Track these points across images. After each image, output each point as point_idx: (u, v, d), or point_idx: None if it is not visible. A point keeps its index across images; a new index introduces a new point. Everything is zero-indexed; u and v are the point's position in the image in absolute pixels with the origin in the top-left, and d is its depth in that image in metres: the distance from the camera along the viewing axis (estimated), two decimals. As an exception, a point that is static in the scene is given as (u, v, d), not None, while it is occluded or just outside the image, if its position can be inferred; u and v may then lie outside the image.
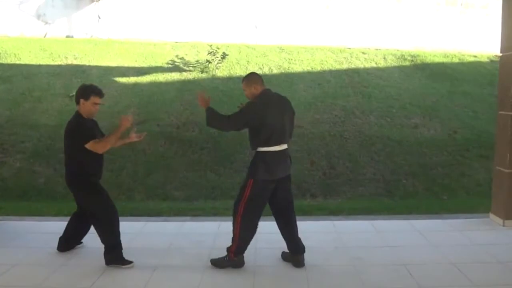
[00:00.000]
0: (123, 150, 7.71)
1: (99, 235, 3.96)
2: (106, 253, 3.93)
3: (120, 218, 5.47)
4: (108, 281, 3.66)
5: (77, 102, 3.96)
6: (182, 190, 6.91)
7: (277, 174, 3.83)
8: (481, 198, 6.26)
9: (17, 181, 7.00)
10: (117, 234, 3.94)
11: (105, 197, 3.98)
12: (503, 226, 4.93)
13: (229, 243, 3.83)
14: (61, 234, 4.31)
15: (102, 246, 4.37)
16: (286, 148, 3.94)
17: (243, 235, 3.83)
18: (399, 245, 4.41)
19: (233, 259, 3.86)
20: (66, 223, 5.10)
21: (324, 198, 6.77)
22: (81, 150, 3.82)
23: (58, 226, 5.03)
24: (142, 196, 6.82)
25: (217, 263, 3.90)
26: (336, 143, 8.07)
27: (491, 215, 5.19)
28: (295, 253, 3.97)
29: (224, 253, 3.90)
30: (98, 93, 3.95)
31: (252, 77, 3.96)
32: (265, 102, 3.82)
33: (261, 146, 3.79)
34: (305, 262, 3.95)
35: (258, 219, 3.88)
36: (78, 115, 3.95)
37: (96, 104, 3.94)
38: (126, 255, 4.06)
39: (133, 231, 4.84)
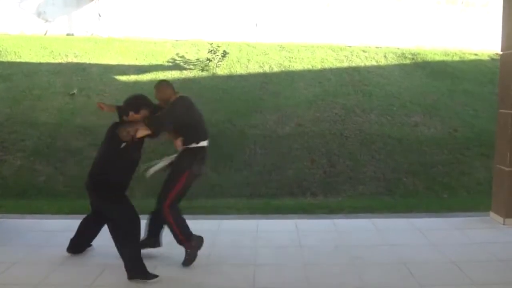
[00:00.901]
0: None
1: (119, 248, 3.71)
2: (127, 267, 3.65)
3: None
4: (108, 280, 3.67)
5: (125, 114, 3.75)
6: (182, 189, 6.90)
7: (202, 170, 4.03)
8: (482, 196, 6.26)
9: (17, 179, 7.00)
10: (139, 246, 3.75)
11: (130, 206, 3.80)
12: (504, 224, 4.93)
13: (230, 241, 3.83)
14: (61, 232, 4.31)
15: (102, 244, 4.38)
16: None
17: (178, 222, 3.86)
18: (400, 244, 4.41)
19: (191, 246, 3.87)
20: (66, 221, 5.14)
21: (325, 196, 6.76)
22: (120, 155, 3.68)
23: (58, 224, 5.06)
24: (142, 193, 6.80)
25: (188, 261, 3.88)
26: (336, 141, 8.06)
27: (492, 214, 5.19)
28: (154, 236, 4.11)
29: (224, 251, 3.89)
30: (149, 106, 3.76)
31: (165, 88, 4.00)
32: (185, 103, 3.94)
33: (195, 142, 3.87)
34: (306, 261, 3.97)
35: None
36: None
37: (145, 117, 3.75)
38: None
39: (133, 229, 4.84)
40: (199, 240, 3.90)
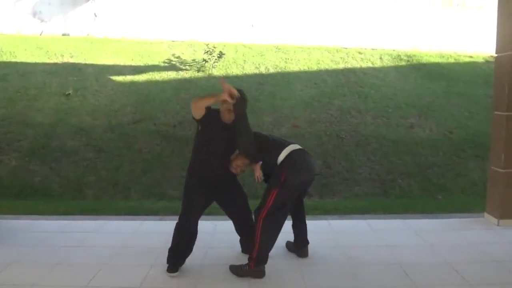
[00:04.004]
0: (119, 148, 7.72)
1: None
2: (169, 249, 3.79)
3: (116, 217, 5.48)
4: (104, 279, 3.66)
5: None
6: (178, 189, 6.88)
7: (309, 173, 3.77)
8: (476, 197, 6.30)
9: (13, 179, 6.98)
10: (181, 245, 3.74)
11: (193, 203, 3.81)
12: (498, 225, 4.96)
13: (226, 243, 3.79)
14: (56, 233, 4.30)
15: (98, 244, 4.38)
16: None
17: (264, 241, 3.66)
18: (395, 245, 4.43)
19: (252, 268, 3.69)
20: (62, 221, 5.13)
21: (320, 197, 6.78)
22: (195, 136, 3.78)
23: (54, 224, 5.04)
24: (139, 195, 6.81)
25: (236, 271, 3.75)
26: (332, 142, 8.08)
27: (486, 215, 5.22)
28: (302, 246, 4.11)
29: (220, 252, 3.86)
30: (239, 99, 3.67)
31: None
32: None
33: (280, 153, 3.71)
34: (302, 261, 3.98)
35: (280, 227, 3.73)
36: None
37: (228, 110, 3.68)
38: (122, 254, 4.06)
39: (129, 230, 4.84)
40: (261, 273, 3.71)
